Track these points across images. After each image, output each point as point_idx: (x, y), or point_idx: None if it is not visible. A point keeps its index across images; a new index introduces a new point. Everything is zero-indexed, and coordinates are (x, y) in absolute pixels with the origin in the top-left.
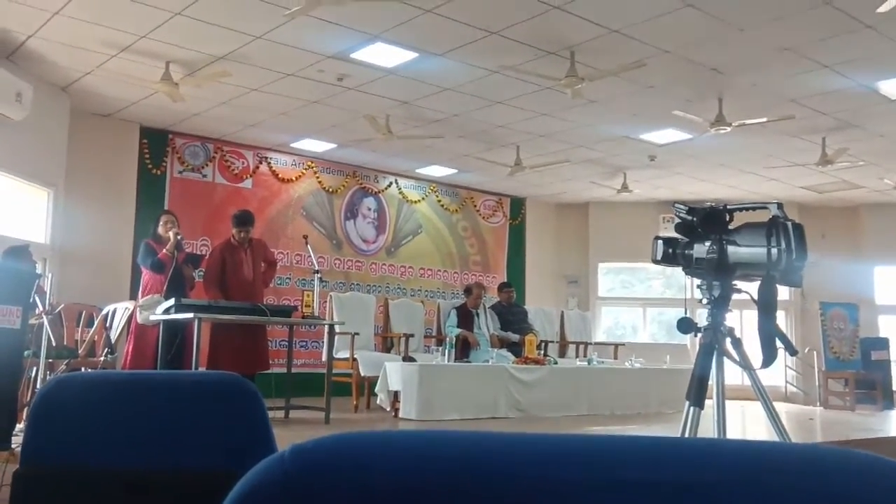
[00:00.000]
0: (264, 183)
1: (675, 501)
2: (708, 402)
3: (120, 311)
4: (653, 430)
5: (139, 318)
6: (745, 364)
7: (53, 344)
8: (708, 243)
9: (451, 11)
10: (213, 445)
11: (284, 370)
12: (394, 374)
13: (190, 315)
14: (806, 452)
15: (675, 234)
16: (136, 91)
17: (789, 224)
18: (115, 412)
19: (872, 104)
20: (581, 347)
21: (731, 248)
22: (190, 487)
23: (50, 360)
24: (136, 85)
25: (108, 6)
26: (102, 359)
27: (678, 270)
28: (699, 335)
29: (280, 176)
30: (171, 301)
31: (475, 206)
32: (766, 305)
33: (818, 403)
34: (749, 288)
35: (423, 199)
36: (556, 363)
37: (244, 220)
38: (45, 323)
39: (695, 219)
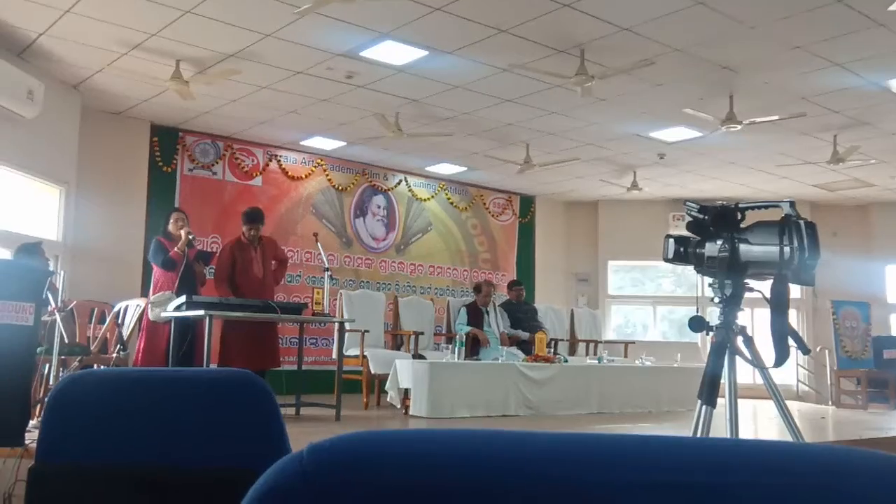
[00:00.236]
0: (274, 181)
1: (703, 502)
2: (720, 402)
3: (131, 308)
4: (664, 428)
5: (151, 316)
6: (757, 363)
7: (66, 341)
8: (720, 242)
9: (460, 9)
10: (226, 442)
11: (295, 367)
12: (404, 371)
13: (201, 312)
14: (834, 454)
15: (687, 233)
16: (146, 89)
17: (802, 223)
18: (127, 409)
19: (884, 102)
20: (591, 345)
21: (743, 247)
22: (203, 484)
23: (62, 357)
24: (147, 83)
25: (119, 4)
26: (114, 356)
27: (689, 269)
28: (711, 334)
29: (290, 174)
30: (183, 298)
31: (485, 203)
32: (779, 304)
33: (830, 402)
34: (761, 286)
35: (432, 196)
36: (566, 361)
37: (254, 217)
38: (58, 320)
39: (706, 217)
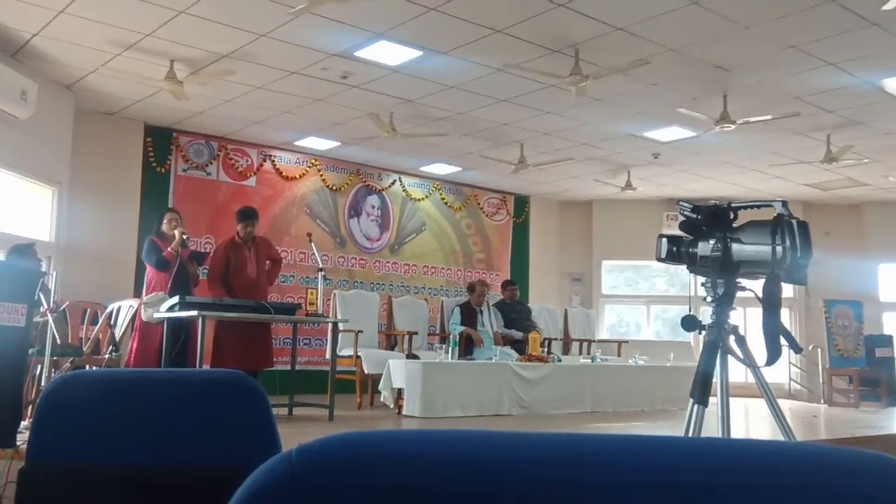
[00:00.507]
0: (268, 181)
1: (695, 502)
2: (712, 400)
3: (124, 308)
4: (657, 427)
5: (143, 316)
6: (749, 362)
7: (58, 342)
8: (712, 241)
9: (455, 9)
10: (218, 443)
11: (288, 367)
12: (397, 371)
13: (194, 313)
14: (825, 454)
15: (680, 232)
16: (140, 89)
17: (794, 222)
18: (119, 410)
19: (877, 102)
20: (584, 345)
21: (735, 246)
22: (194, 485)
23: (54, 358)
24: (141, 83)
25: (112, 5)
26: (107, 356)
27: (682, 268)
28: (703, 333)
29: (284, 174)
30: (176, 299)
31: (479, 203)
32: (771, 303)
33: (822, 401)
34: (753, 286)
35: (426, 196)
36: (559, 361)
37: (248, 214)
38: (50, 321)
39: (699, 217)
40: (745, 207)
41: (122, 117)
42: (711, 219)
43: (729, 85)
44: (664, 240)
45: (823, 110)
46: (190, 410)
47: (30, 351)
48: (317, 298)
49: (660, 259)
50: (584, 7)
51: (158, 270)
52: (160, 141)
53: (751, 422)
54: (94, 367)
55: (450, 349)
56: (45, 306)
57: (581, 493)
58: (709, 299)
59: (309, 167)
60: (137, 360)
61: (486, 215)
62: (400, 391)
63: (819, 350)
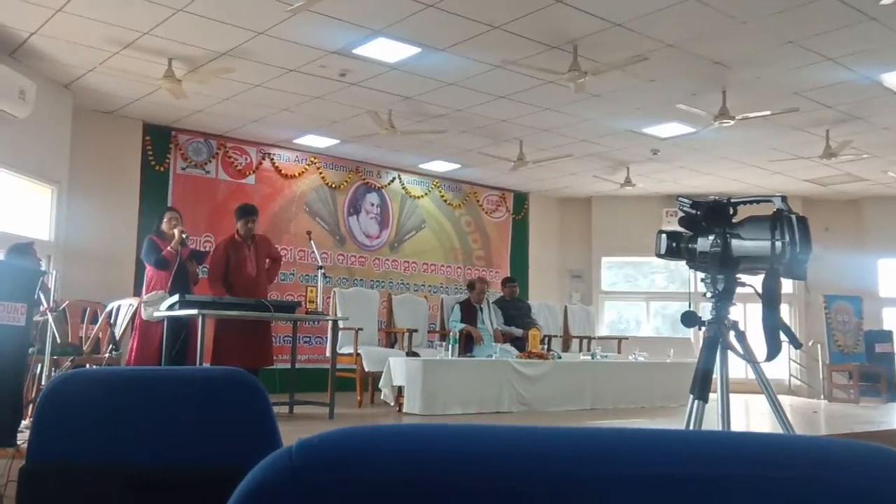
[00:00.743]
0: (267, 179)
1: (696, 494)
2: (712, 396)
3: (124, 307)
4: (657, 424)
5: (143, 315)
6: (749, 357)
7: (58, 341)
8: (712, 237)
9: (453, 6)
10: (219, 441)
11: (288, 366)
12: (397, 369)
13: (194, 311)
14: (825, 446)
15: (679, 228)
16: (138, 88)
17: (793, 217)
18: (120, 408)
19: (876, 97)
20: (584, 342)
21: (734, 242)
22: (196, 483)
23: (54, 357)
24: (139, 82)
25: (110, 3)
26: (107, 355)
27: (681, 264)
28: (703, 329)
29: (283, 172)
30: (176, 297)
31: (478, 201)
32: (770, 299)
33: (822, 396)
34: (753, 281)
35: (426, 194)
36: (559, 358)
37: (248, 210)
38: (50, 320)
39: (698, 212)
40: (745, 203)
41: (121, 116)
42: (711, 214)
43: (728, 80)
44: (663, 236)
45: (822, 105)
46: (190, 408)
47: (30, 350)
48: (316, 296)
49: (659, 255)
50: (582, 3)
51: (158, 269)
52: (159, 139)
53: (751, 417)
54: (95, 366)
55: (450, 346)
56: (45, 305)
57: (582, 487)
58: (708, 295)
59: (308, 165)
60: (138, 359)
61: (486, 212)
62: (400, 389)
63: (819, 346)
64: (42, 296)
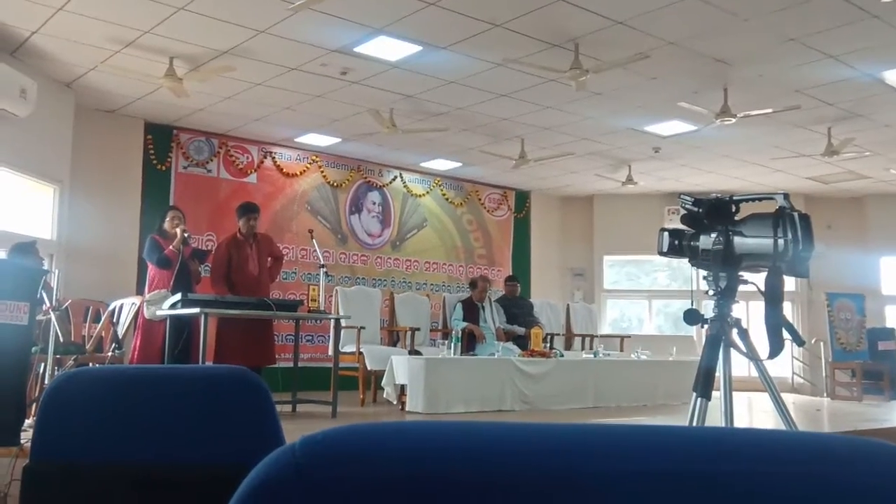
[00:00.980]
0: (269, 178)
1: (698, 490)
2: (715, 394)
3: (127, 306)
4: (660, 421)
5: (146, 314)
6: (752, 355)
7: (61, 340)
8: (714, 234)
9: (454, 4)
10: (222, 439)
11: (291, 364)
12: (400, 367)
13: (196, 310)
14: (828, 442)
15: (681, 226)
16: (140, 87)
17: (796, 215)
18: (123, 407)
19: (878, 94)
20: (587, 340)
21: (737, 239)
22: (199, 481)
23: (57, 356)
24: (141, 81)
25: (112, 2)
26: (110, 354)
27: (684, 262)
28: (706, 327)
29: (284, 170)
30: (178, 296)
31: (480, 199)
32: (773, 296)
33: (825, 394)
34: (755, 279)
35: (427, 192)
36: (561, 356)
37: (249, 208)
38: (53, 319)
39: (701, 210)
40: (747, 200)
41: (123, 115)
42: (713, 212)
43: (729, 78)
44: (666, 234)
45: (824, 103)
46: (194, 407)
47: (33, 349)
48: (319, 295)
49: (661, 253)
50: (583, 1)
51: (160, 268)
52: (160, 138)
53: (754, 415)
54: (98, 365)
55: (452, 345)
56: (48, 304)
57: (584, 483)
58: (711, 293)
59: (309, 164)
60: (140, 358)
61: (488, 211)
62: (403, 387)
63: (822, 343)
64: (45, 295)
